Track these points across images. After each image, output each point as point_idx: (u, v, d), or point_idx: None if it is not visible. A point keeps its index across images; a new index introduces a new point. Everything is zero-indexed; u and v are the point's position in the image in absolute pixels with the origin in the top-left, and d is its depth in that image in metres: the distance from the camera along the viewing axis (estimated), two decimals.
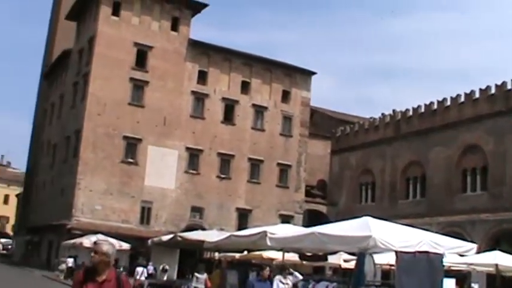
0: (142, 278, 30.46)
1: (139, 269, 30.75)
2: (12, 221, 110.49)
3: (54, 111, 70.85)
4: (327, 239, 17.02)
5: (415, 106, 57.31)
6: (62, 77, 69.18)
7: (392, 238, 15.45)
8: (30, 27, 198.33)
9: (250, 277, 17.72)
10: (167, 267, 40.40)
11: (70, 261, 42.83)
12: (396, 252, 15.57)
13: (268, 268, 18.62)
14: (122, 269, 30.23)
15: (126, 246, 44.75)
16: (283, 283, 17.69)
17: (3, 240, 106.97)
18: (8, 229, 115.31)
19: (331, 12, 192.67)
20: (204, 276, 24.36)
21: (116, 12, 58.21)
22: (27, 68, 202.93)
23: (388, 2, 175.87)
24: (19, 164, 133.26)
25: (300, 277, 20.94)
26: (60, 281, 34.92)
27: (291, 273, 20.32)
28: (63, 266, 37.22)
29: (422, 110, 56.32)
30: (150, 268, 47.11)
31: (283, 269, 18.95)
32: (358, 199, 62.92)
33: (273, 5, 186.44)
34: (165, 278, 38.52)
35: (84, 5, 62.18)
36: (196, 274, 24.73)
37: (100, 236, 45.36)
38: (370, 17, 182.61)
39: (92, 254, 7.75)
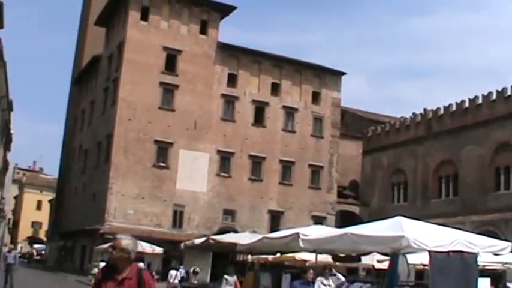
0: (176, 281, 30.46)
1: (172, 272, 30.76)
2: (45, 227, 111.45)
3: (85, 117, 71.22)
4: (359, 239, 16.90)
5: (447, 105, 56.96)
6: (92, 83, 69.54)
7: (425, 238, 15.29)
8: (59, 35, 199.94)
9: (293, 282, 16.52)
10: (198, 269, 40.33)
11: (102, 265, 43.03)
12: (430, 252, 15.41)
13: (311, 271, 17.77)
14: (154, 273, 30.29)
15: (159, 250, 44.81)
16: (324, 285, 16.34)
17: (37, 245, 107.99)
18: (42, 235, 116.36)
19: (359, 13, 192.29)
20: (234, 278, 24.27)
21: (144, 17, 58.37)
22: (58, 75, 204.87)
23: (416, 1, 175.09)
24: (51, 170, 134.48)
25: (342, 279, 19.49)
26: None
27: (333, 274, 19.33)
28: (95, 270, 37.27)
29: (454, 108, 55.95)
30: (182, 271, 47.23)
31: (324, 269, 17.74)
32: (391, 199, 62.64)
33: (300, 7, 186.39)
34: (195, 281, 38.49)
35: (113, 10, 62.47)
36: (225, 276, 24.64)
37: None
38: (398, 16, 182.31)
39: (110, 250, 7.28)
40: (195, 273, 40.54)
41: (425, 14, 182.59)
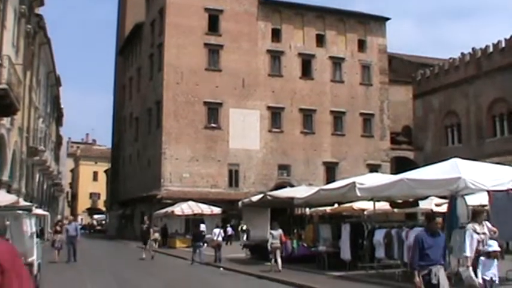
0: (220, 239, 30.74)
1: (216, 230, 31.05)
2: (103, 197, 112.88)
3: (132, 85, 71.65)
4: (416, 184, 16.82)
5: (495, 42, 55.93)
6: (137, 51, 69.77)
7: (482, 178, 15.15)
8: (100, 5, 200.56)
9: (418, 232, 12.65)
10: (245, 227, 40.73)
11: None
12: (488, 191, 15.27)
13: (438, 219, 14.16)
14: (216, 232, 30.65)
15: (217, 210, 45.29)
16: (478, 233, 12.58)
17: (97, 216, 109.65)
18: (100, 205, 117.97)
19: None
20: (279, 231, 24.38)
21: None
22: (102, 46, 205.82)
23: None
24: (104, 141, 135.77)
25: (493, 228, 14.86)
26: (155, 249, 35.58)
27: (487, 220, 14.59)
28: (156, 235, 37.84)
29: (503, 45, 54.97)
30: (229, 229, 47.62)
31: (476, 214, 13.51)
32: (445, 142, 62.08)
33: None
34: (244, 238, 38.83)
35: None
36: (271, 231, 24.78)
37: (190, 203, 45.99)
38: None
39: None
40: (243, 231, 40.91)
41: None
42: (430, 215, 12.16)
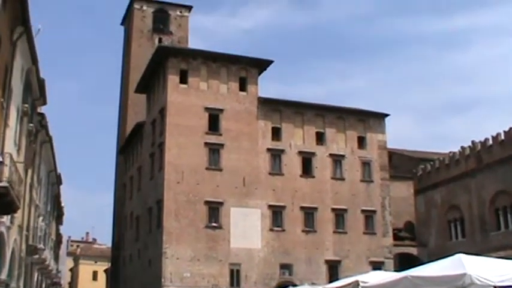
0: None
1: None
2: None
3: (133, 184, 71.68)
4: (421, 281, 16.61)
5: (494, 134, 56.24)
6: (138, 150, 70.12)
7: (489, 273, 14.96)
8: (102, 106, 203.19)
9: None
10: None
11: None
12: (495, 287, 15.06)
13: None
14: None
15: None
16: None
17: None
18: None
19: (393, 53, 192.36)
20: None
21: (183, 79, 58.95)
22: (103, 145, 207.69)
23: (450, 36, 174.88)
24: (104, 239, 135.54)
25: None
26: None
27: None
28: None
29: (502, 137, 55.25)
30: None
31: None
32: (448, 237, 61.78)
33: (334, 55, 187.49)
34: None
35: (152, 76, 63.35)
36: None
37: None
38: (434, 52, 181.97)
39: None
40: None
41: (463, 46, 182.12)
42: None
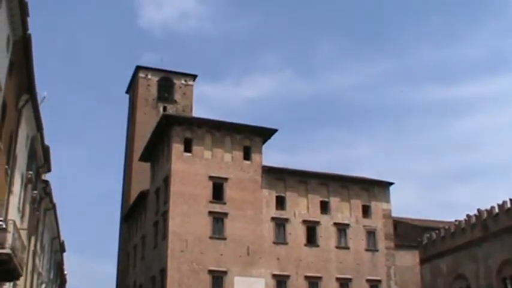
0: None
1: None
2: None
3: (137, 252, 71.26)
4: None
5: (500, 203, 55.95)
6: (142, 218, 69.92)
7: None
8: (105, 174, 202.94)
9: None
10: None
11: None
12: None
13: None
14: None
15: None
16: None
17: None
18: None
19: (397, 121, 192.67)
20: None
21: (188, 148, 59.10)
22: (107, 213, 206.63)
23: (454, 104, 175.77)
24: None
25: None
26: None
27: None
28: None
29: (509, 205, 54.88)
30: None
31: None
32: None
33: (338, 123, 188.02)
34: None
35: (156, 145, 63.53)
36: None
37: None
38: (439, 119, 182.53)
39: None
40: None
41: (468, 113, 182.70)
42: None
